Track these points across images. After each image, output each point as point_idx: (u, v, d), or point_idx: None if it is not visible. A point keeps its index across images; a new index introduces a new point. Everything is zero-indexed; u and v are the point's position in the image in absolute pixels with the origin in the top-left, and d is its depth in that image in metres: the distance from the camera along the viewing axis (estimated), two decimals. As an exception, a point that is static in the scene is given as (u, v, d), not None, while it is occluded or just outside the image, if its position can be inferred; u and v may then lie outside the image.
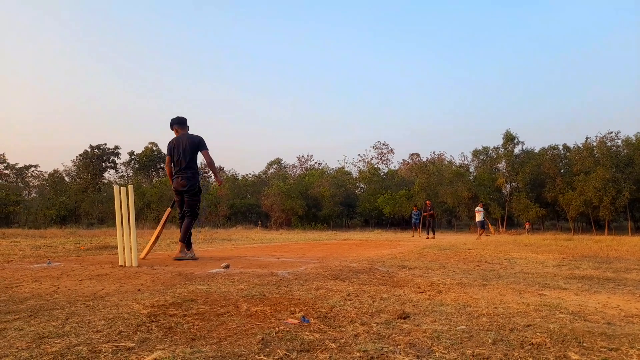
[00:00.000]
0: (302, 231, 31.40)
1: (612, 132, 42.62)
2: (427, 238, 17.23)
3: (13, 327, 1.86)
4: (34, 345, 1.60)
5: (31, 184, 64.77)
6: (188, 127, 5.49)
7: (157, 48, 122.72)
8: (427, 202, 20.08)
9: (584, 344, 1.70)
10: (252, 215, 54.30)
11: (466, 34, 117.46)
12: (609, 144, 41.51)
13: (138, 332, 1.79)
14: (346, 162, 68.11)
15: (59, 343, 1.63)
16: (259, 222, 44.60)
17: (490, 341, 1.73)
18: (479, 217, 18.86)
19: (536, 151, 45.56)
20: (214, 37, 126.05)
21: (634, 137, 42.12)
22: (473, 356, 1.53)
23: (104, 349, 1.56)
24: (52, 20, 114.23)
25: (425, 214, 19.30)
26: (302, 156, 68.68)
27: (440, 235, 22.52)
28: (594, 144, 41.77)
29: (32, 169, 64.11)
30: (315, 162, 67.08)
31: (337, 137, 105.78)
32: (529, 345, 1.68)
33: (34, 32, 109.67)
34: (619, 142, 42.48)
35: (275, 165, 66.62)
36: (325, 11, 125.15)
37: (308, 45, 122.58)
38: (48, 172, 63.86)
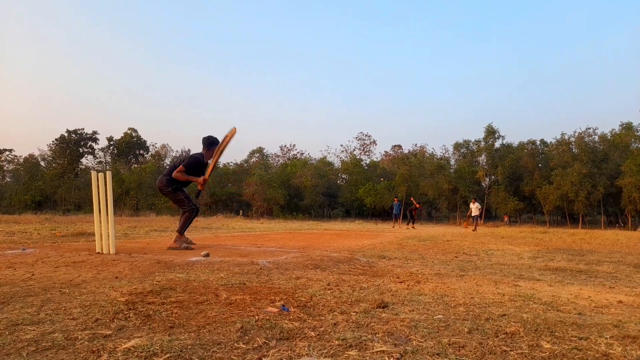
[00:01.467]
0: (283, 221, 31.39)
1: (590, 128, 43.63)
2: (408, 228, 18.48)
3: (-15, 314, 1.82)
4: (7, 333, 1.57)
5: (5, 168, 62.91)
6: (205, 148, 5.39)
7: (138, 32, 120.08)
8: (415, 201, 21.93)
9: (556, 334, 1.75)
10: (233, 204, 53.98)
11: (451, 30, 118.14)
12: (586, 139, 42.48)
13: (115, 320, 1.77)
14: (329, 153, 68.09)
15: (34, 330, 1.60)
16: (241, 211, 44.37)
17: (466, 330, 1.77)
18: (476, 211, 19.70)
19: (515, 145, 46.34)
20: (197, 22, 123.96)
21: (609, 134, 43.24)
22: (449, 345, 1.56)
23: (80, 337, 1.54)
24: (26, 4, 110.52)
25: (414, 208, 21.34)
26: (285, 145, 68.44)
27: (420, 227, 22.81)
28: (572, 139, 42.69)
29: (7, 153, 62.29)
30: (298, 152, 66.93)
31: (320, 128, 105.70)
32: (504, 334, 1.72)
33: (6, 17, 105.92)
34: (596, 138, 43.54)
35: (257, 154, 66.22)
36: (311, 5, 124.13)
37: (291, 34, 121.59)
38: (23, 157, 62.19)
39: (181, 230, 5.24)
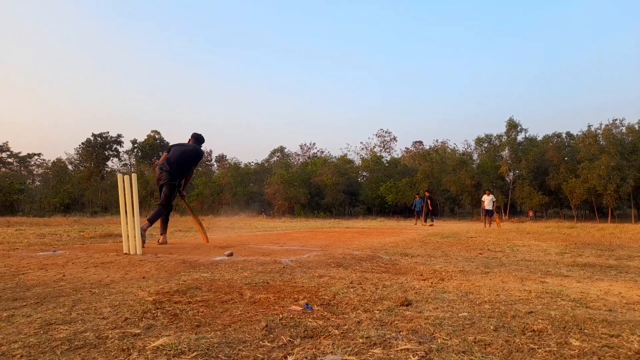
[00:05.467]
0: (304, 219, 31.47)
1: (617, 120, 42.32)
2: (426, 225, 17.92)
3: (21, 314, 1.89)
4: (41, 332, 1.62)
5: (35, 172, 64.98)
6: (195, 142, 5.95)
7: (160, 35, 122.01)
8: (426, 192, 20.45)
9: (585, 331, 1.72)
10: (255, 203, 54.41)
11: (471, 22, 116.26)
12: (614, 131, 41.23)
13: (144, 319, 1.81)
14: (349, 150, 67.81)
15: (66, 329, 1.65)
16: (263, 211, 44.67)
17: (492, 328, 1.74)
18: (489, 204, 18.01)
19: (539, 139, 45.30)
20: (217, 20, 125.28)
21: (637, 125, 41.89)
22: (475, 342, 1.55)
23: (110, 335, 1.58)
24: (54, 8, 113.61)
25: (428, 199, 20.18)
26: (305, 144, 68.64)
27: (443, 223, 22.55)
28: (599, 131, 41.48)
29: (36, 157, 64.31)
30: (318, 150, 67.02)
31: (340, 126, 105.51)
32: (531, 331, 1.70)
33: (36, 22, 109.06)
34: (623, 129, 42.22)
35: (278, 154, 66.51)
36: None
37: (311, 32, 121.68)
38: (51, 161, 64.03)
39: (152, 221, 5.37)
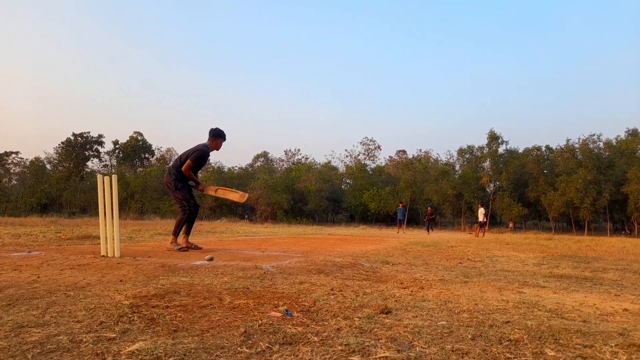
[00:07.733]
0: (287, 225, 31.37)
1: (594, 135, 43.41)
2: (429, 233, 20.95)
3: (-9, 316, 1.84)
4: (12, 335, 1.58)
5: (12, 171, 63.36)
6: (211, 138, 5.46)
7: (144, 34, 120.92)
8: (429, 208, 24.36)
9: (560, 341, 1.74)
10: (238, 208, 54.02)
11: (458, 35, 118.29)
12: (591, 146, 42.26)
13: (120, 323, 1.77)
14: (333, 157, 67.97)
15: (39, 332, 1.61)
16: (246, 216, 44.38)
17: (469, 337, 1.76)
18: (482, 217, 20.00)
19: (520, 151, 46.19)
20: (199, 26, 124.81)
21: (614, 140, 43.02)
22: (452, 351, 1.56)
23: (84, 339, 1.54)
24: (35, 6, 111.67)
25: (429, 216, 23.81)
26: (289, 150, 68.56)
27: (425, 233, 22.74)
28: (577, 145, 42.47)
29: (13, 155, 62.75)
30: (302, 157, 67.00)
31: (325, 132, 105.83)
32: (507, 341, 1.72)
33: (14, 16, 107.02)
34: (601, 144, 43.31)
35: (262, 159, 66.24)
36: (323, 6, 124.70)
37: (297, 38, 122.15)
38: (29, 160, 62.57)
39: (175, 232, 5.27)
